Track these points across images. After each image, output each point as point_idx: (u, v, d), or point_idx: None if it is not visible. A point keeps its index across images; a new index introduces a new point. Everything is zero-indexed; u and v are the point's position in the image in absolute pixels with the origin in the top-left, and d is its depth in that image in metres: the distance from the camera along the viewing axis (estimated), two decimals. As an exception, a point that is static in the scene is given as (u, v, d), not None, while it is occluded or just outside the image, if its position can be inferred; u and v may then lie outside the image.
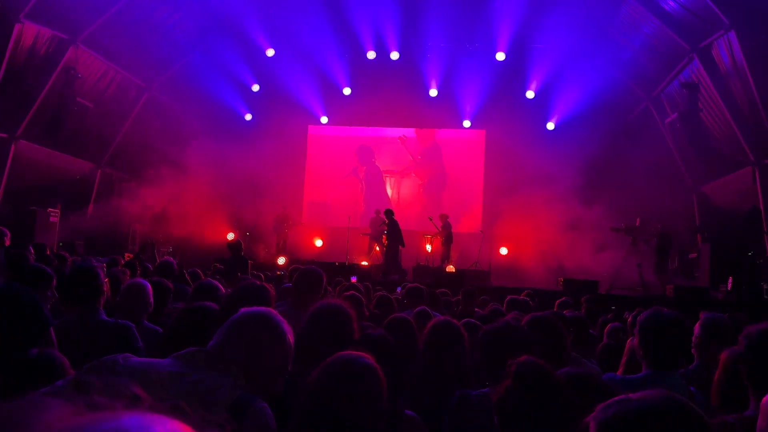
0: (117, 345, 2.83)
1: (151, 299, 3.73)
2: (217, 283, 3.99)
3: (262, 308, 1.94)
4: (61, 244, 13.48)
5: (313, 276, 3.86)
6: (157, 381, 1.68)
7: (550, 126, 17.23)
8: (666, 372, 2.66)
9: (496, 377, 2.07)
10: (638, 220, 13.27)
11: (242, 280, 5.69)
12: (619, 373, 3.55)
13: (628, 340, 3.53)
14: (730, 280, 11.36)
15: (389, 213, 13.98)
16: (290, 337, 1.90)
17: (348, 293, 4.67)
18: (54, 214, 13.47)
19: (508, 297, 5.87)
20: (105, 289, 3.31)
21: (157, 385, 1.66)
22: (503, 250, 16.37)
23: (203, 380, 1.71)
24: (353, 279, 8.30)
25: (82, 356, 2.23)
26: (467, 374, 2.81)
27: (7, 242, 6.82)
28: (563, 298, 6.74)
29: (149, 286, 3.77)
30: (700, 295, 11.24)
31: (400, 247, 14.11)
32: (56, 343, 2.46)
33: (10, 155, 12.31)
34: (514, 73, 16.76)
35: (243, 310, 1.92)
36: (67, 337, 2.73)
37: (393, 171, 18.68)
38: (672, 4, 12.07)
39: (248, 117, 18.43)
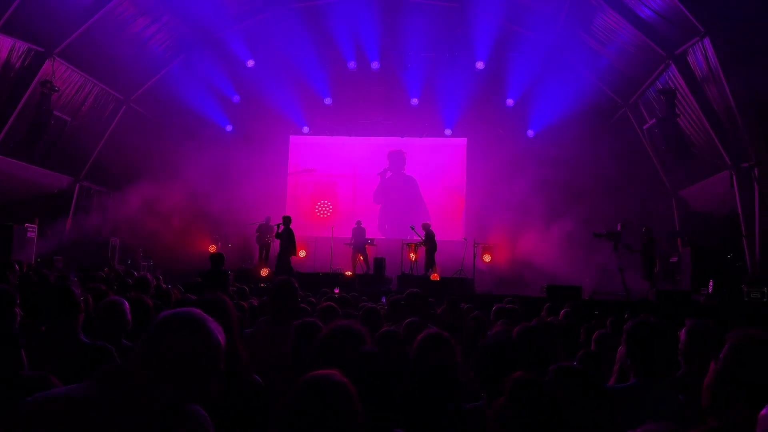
0: (95, 367, 2.75)
1: (129, 317, 3.62)
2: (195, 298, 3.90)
3: (183, 309, 1.83)
4: (39, 259, 13.25)
5: (288, 287, 3.75)
6: (72, 412, 1.55)
7: (530, 133, 17.37)
8: (654, 380, 2.65)
9: (492, 391, 2.06)
10: (619, 225, 13.38)
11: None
12: (612, 381, 3.54)
13: (620, 348, 3.52)
14: (711, 283, 11.48)
15: (286, 220, 14.02)
16: (219, 335, 1.79)
17: (326, 304, 4.61)
18: (31, 230, 13.25)
19: (495, 306, 5.84)
20: (83, 307, 3.23)
21: (72, 417, 1.54)
22: (487, 258, 16.41)
23: (124, 398, 1.60)
24: (336, 291, 8.23)
25: (60, 378, 2.17)
26: (459, 388, 2.77)
27: None
28: (551, 306, 6.73)
29: (126, 303, 3.66)
30: (682, 299, 11.33)
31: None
32: (26, 364, 2.38)
33: (-14, 170, 12.10)
34: (494, 82, 16.88)
35: (162, 313, 1.81)
36: (43, 359, 2.65)
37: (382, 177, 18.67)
38: (647, 11, 12.25)
39: (229, 128, 18.33)
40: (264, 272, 14.51)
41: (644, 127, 14.02)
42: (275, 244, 16.76)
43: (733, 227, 12.09)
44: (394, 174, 18.75)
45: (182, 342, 1.71)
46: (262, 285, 11.65)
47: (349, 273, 14.86)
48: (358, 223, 16.34)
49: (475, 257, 15.38)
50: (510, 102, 17.17)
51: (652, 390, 2.64)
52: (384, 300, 8.35)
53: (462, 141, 18.40)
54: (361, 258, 15.85)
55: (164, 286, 7.54)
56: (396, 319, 5.28)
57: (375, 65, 17.17)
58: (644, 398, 2.61)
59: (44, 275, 7.43)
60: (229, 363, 2.34)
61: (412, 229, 15.13)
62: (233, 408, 2.36)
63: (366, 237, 16.15)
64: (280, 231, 13.88)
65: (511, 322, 4.64)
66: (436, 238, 15.02)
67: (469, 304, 7.51)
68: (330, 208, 18.47)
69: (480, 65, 16.64)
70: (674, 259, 14.09)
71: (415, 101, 17.64)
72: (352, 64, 17.24)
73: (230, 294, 6.68)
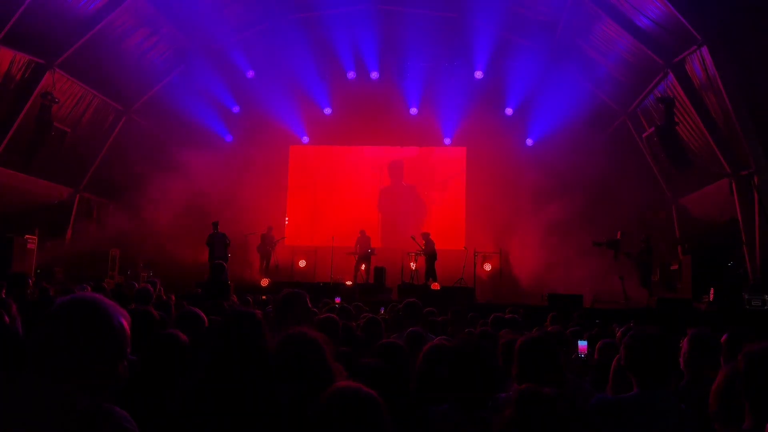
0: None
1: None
2: (199, 311, 3.88)
3: (76, 296, 1.66)
4: (38, 271, 13.22)
5: (295, 299, 3.59)
6: None
7: (529, 142, 17.40)
8: (656, 391, 2.64)
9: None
10: (619, 233, 13.39)
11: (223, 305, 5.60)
12: (608, 391, 3.53)
13: (615, 358, 3.51)
14: (712, 291, 11.46)
15: (215, 225, 14.39)
16: (119, 317, 1.66)
17: (322, 316, 4.56)
18: (32, 241, 13.22)
19: (492, 316, 5.81)
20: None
21: None
22: (487, 266, 16.39)
23: (27, 411, 1.42)
24: (337, 300, 8.22)
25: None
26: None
27: None
28: (556, 315, 6.71)
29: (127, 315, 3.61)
30: (683, 307, 11.32)
31: None
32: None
33: (-14, 182, 12.10)
34: (493, 91, 16.92)
35: (56, 304, 1.64)
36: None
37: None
38: (645, 21, 12.30)
39: (229, 138, 18.35)
40: (264, 282, 14.49)
41: (643, 135, 14.04)
42: (276, 255, 16.80)
43: (733, 235, 12.09)
44: (393, 184, 18.76)
45: (78, 331, 1.56)
46: (263, 297, 11.62)
47: (349, 282, 14.84)
48: (362, 232, 16.33)
49: (475, 266, 15.36)
50: (509, 111, 17.21)
51: (656, 400, 2.63)
52: (383, 310, 8.32)
53: (461, 150, 18.43)
54: (363, 267, 15.83)
55: (164, 297, 7.53)
56: (396, 329, 5.28)
57: (374, 75, 17.23)
58: (648, 409, 2.61)
59: (44, 288, 7.40)
60: (262, 374, 2.29)
61: (413, 238, 15.12)
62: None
63: (370, 246, 16.12)
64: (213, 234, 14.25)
65: (515, 331, 4.63)
66: (437, 248, 15.02)
67: (474, 313, 7.49)
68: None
69: (479, 75, 16.70)
70: (675, 267, 14.08)
71: (414, 111, 17.68)
72: (351, 74, 17.30)
73: (232, 305, 6.66)
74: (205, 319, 3.78)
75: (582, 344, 4.65)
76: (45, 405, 1.46)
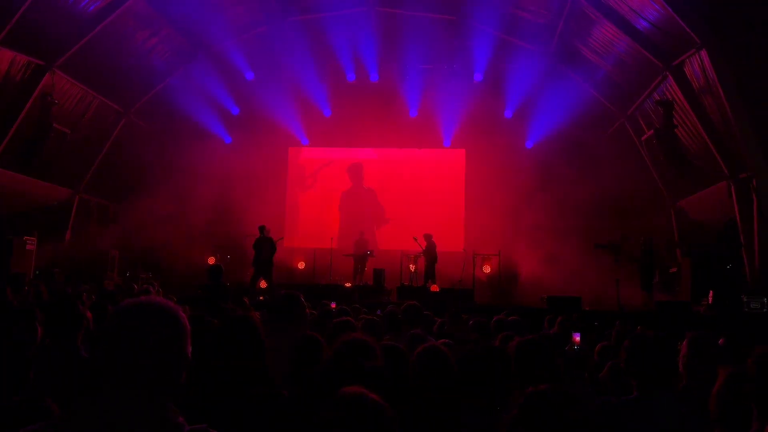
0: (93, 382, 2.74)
1: None
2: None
3: (141, 300, 1.53)
4: (38, 272, 13.21)
5: (291, 301, 3.57)
6: None
7: (528, 145, 17.42)
8: (656, 393, 2.65)
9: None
10: (620, 235, 13.40)
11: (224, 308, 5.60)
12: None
13: (607, 365, 3.52)
14: (711, 293, 11.46)
15: (261, 229, 14.21)
16: (184, 319, 1.53)
17: (340, 319, 4.57)
18: (31, 242, 13.21)
19: (495, 318, 5.82)
20: (84, 323, 3.20)
21: None
22: (486, 269, 16.39)
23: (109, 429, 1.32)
24: (332, 305, 8.18)
25: (59, 394, 2.16)
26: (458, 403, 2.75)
27: None
28: (552, 317, 6.71)
29: None
30: (682, 310, 11.31)
31: None
32: (33, 381, 2.36)
33: (-15, 183, 12.09)
34: (492, 94, 16.95)
35: (113, 314, 1.49)
36: (42, 374, 2.63)
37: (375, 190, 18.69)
38: (644, 23, 12.32)
39: (228, 140, 18.36)
40: (263, 284, 14.47)
41: (642, 138, 14.06)
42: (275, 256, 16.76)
43: (731, 238, 12.10)
44: (354, 186, 18.80)
45: (161, 336, 1.45)
46: (261, 298, 11.62)
47: (348, 284, 14.82)
48: (361, 233, 16.32)
49: (474, 268, 15.35)
50: (508, 113, 17.24)
51: (656, 403, 2.63)
52: (379, 312, 8.30)
53: (460, 152, 18.44)
54: (359, 269, 15.81)
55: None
56: (393, 332, 5.27)
57: (374, 77, 17.26)
58: (647, 411, 2.61)
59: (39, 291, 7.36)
60: (259, 380, 2.30)
61: (415, 240, 15.09)
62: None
63: (367, 248, 16.11)
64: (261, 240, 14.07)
65: (517, 333, 4.63)
66: (436, 249, 15.00)
67: (470, 315, 7.48)
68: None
69: (478, 77, 16.73)
70: (673, 270, 14.07)
71: (413, 113, 17.71)
72: (351, 77, 17.34)
73: (230, 308, 6.65)
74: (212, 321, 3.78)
75: (576, 335, 4.67)
76: (146, 424, 1.37)
